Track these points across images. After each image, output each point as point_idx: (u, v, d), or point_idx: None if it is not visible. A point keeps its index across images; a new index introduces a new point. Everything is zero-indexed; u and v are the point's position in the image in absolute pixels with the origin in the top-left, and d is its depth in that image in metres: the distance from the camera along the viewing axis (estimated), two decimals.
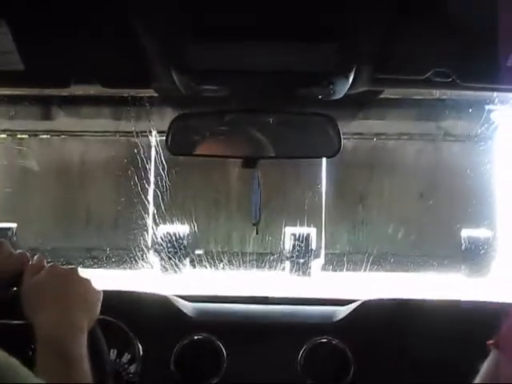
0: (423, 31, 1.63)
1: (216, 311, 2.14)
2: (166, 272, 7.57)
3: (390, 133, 7.99)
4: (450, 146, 8.21)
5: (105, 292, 1.44)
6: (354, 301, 2.13)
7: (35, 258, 1.46)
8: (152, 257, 7.67)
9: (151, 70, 1.76)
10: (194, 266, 7.62)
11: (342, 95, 1.87)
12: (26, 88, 2.17)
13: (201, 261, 7.62)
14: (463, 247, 7.87)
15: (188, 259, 7.72)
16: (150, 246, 7.70)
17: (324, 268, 7.81)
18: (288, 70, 1.75)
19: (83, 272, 1.44)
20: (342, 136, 1.83)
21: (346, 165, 7.78)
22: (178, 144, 1.86)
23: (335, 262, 7.84)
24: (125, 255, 7.56)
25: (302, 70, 1.75)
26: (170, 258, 7.61)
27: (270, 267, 7.61)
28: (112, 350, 1.92)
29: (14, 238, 7.76)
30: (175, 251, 7.64)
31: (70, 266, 1.44)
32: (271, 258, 7.69)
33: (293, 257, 7.76)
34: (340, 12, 1.53)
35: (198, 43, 1.63)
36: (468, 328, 1.99)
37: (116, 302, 1.88)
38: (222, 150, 1.92)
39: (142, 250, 7.56)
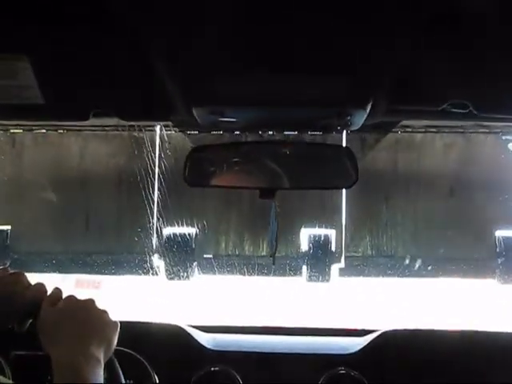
0: (439, 63, 1.79)
1: (232, 342, 2.28)
2: (172, 279, 7.67)
3: (416, 125, 8.07)
4: (483, 139, 8.26)
5: (121, 323, 1.59)
6: (371, 331, 2.27)
7: (53, 289, 1.62)
8: (157, 262, 7.76)
9: (170, 104, 1.93)
10: (203, 272, 7.71)
11: (359, 126, 2.05)
12: (45, 121, 2.34)
13: (210, 266, 7.69)
14: (498, 249, 7.98)
15: (196, 264, 7.82)
16: (154, 250, 7.80)
17: (344, 273, 7.87)
18: (305, 103, 1.91)
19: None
20: (358, 167, 1.99)
21: (369, 160, 7.84)
22: (196, 176, 2.01)
23: (356, 266, 7.92)
24: (128, 260, 7.67)
25: (319, 102, 1.92)
26: (176, 263, 7.70)
27: (286, 273, 7.65)
28: (128, 381, 2.08)
29: (8, 242, 7.87)
30: (182, 255, 7.75)
31: (87, 298, 1.59)
32: (287, 263, 7.74)
33: (310, 261, 7.83)
34: (357, 47, 1.71)
35: (217, 78, 1.80)
36: (493, 362, 2.11)
37: (132, 333, 2.02)
38: (239, 181, 2.07)
39: (147, 255, 7.66)
